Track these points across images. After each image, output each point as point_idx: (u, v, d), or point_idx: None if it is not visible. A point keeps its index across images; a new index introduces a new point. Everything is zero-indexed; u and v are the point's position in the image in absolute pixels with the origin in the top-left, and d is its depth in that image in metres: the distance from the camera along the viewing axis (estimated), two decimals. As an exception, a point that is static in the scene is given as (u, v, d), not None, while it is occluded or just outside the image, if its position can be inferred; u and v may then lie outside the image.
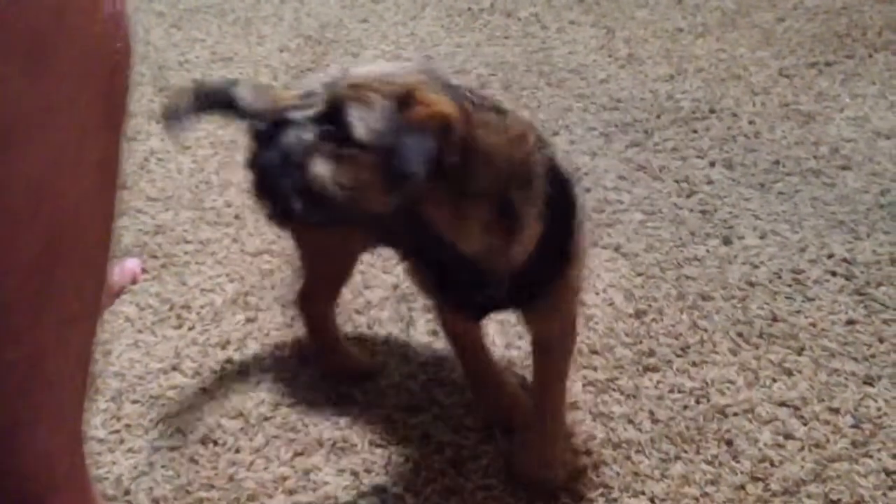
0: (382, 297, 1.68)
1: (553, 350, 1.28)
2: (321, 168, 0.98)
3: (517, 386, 1.44)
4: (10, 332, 0.77)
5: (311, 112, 1.02)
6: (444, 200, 1.01)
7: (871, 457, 1.33)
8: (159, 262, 1.79)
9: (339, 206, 1.00)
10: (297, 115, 1.02)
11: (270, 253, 1.81)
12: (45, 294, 0.78)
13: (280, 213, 1.03)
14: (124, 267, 1.74)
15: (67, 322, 0.82)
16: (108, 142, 0.81)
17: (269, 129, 1.03)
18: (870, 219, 1.85)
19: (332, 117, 0.99)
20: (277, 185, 1.00)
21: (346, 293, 1.68)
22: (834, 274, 1.70)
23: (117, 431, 1.41)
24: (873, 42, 2.63)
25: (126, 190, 2.03)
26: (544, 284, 1.15)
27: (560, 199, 1.11)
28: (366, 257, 1.78)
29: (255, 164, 1.04)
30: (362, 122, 0.97)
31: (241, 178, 2.06)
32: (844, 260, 1.73)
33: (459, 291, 1.17)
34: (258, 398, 1.46)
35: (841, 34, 2.69)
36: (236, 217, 1.93)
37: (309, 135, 1.00)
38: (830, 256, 1.74)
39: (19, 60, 0.68)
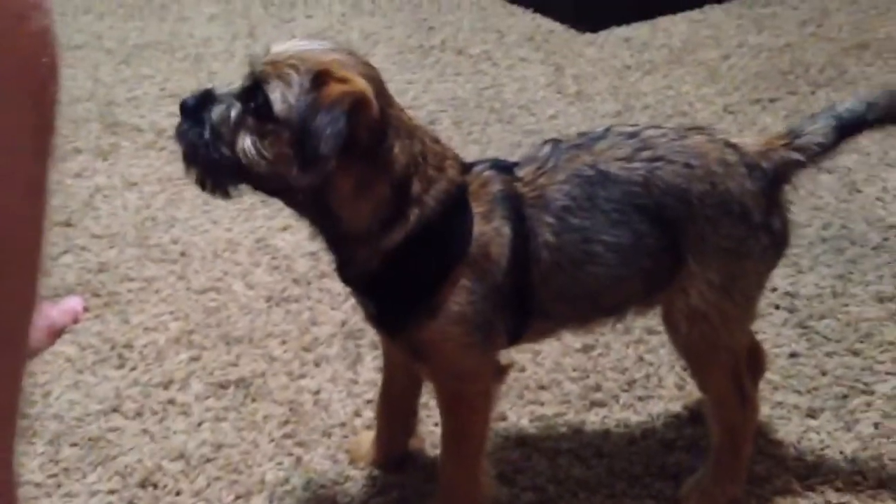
0: (330, 333, 1.67)
1: (442, 414, 1.23)
2: (247, 142, 1.03)
3: (420, 438, 1.42)
4: None
5: (235, 87, 1.06)
6: (353, 171, 1.04)
7: (814, 490, 1.34)
8: (102, 301, 1.76)
9: (261, 178, 1.05)
10: (221, 90, 1.07)
11: (216, 290, 1.79)
12: None
13: (209, 184, 1.08)
14: (65, 306, 1.70)
15: None
16: (38, 161, 0.79)
17: (194, 103, 1.07)
18: (812, 252, 1.88)
19: (254, 93, 1.03)
20: (208, 157, 1.05)
21: (294, 329, 1.67)
22: (777, 307, 1.72)
23: (55, 475, 1.38)
24: (815, 79, 2.69)
25: (70, 227, 2.00)
26: (405, 310, 1.12)
27: (447, 231, 1.10)
28: (314, 293, 1.78)
29: (183, 135, 1.06)
30: (281, 99, 1.01)
31: (187, 214, 2.04)
32: (787, 293, 1.75)
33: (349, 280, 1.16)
34: (200, 439, 1.43)
35: (784, 71, 2.75)
36: (182, 254, 1.90)
37: (235, 111, 1.05)
38: (774, 290, 1.76)
39: None
